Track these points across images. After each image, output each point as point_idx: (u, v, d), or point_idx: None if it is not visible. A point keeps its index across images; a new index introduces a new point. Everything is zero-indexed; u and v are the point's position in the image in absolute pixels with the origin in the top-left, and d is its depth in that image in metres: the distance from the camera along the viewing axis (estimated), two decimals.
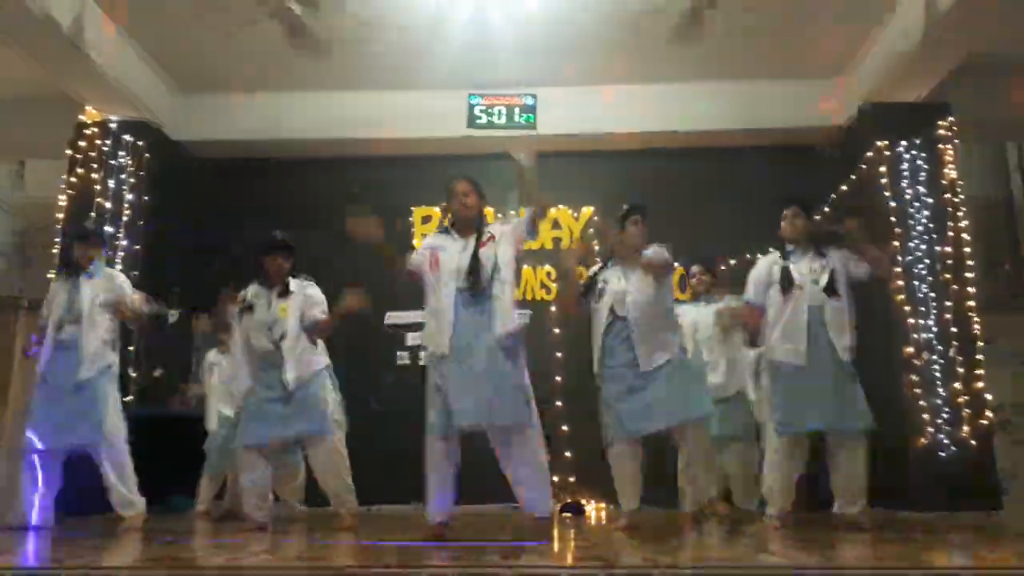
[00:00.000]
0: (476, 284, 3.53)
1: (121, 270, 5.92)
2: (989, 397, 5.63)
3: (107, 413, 4.26)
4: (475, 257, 3.59)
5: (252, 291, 4.38)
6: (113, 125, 6.30)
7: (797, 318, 4.01)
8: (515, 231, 3.75)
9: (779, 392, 4.05)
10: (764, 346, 4.26)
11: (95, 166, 6.22)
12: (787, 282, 4.07)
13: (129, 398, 5.67)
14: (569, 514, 5.49)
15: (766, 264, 4.26)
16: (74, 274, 4.46)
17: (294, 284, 4.41)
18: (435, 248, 3.77)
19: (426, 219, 6.95)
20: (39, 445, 4.19)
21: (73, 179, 6.22)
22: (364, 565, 2.33)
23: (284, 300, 4.31)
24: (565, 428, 6.25)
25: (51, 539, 3.60)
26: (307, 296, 4.40)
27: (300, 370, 4.22)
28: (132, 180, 6.25)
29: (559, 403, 6.33)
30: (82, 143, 6.28)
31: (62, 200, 6.23)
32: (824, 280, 4.02)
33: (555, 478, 6.17)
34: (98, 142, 6.26)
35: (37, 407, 4.26)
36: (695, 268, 5.40)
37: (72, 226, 4.56)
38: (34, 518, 4.20)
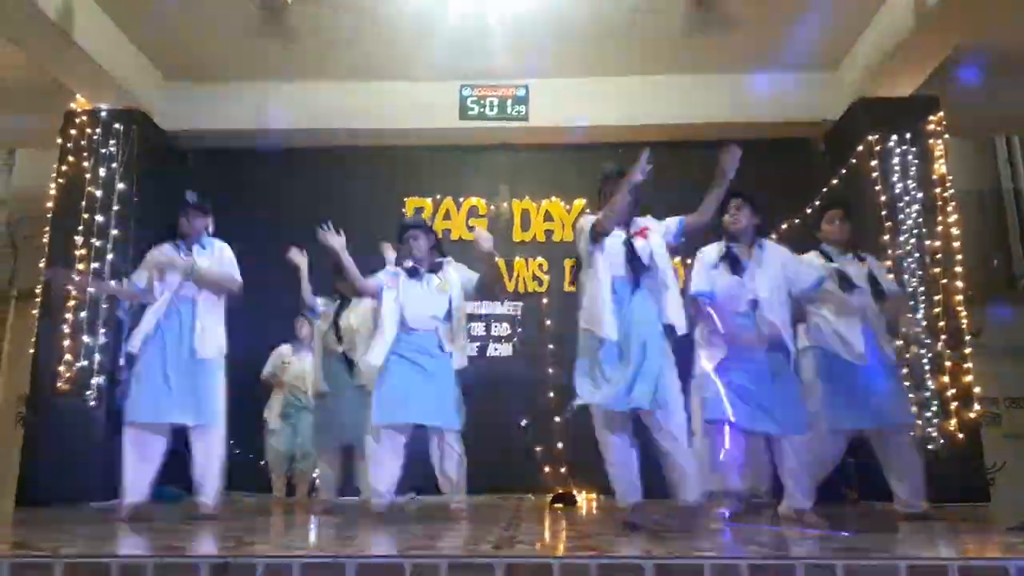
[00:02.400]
0: None
1: (111, 259, 5.93)
2: (977, 390, 5.68)
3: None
4: None
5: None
6: (103, 114, 6.27)
7: (851, 318, 4.04)
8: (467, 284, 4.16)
9: (831, 391, 4.06)
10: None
11: (85, 155, 6.19)
12: (847, 283, 4.08)
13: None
14: (561, 505, 5.51)
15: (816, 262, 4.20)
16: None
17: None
18: None
19: (419, 210, 6.94)
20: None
21: (63, 168, 6.19)
22: (356, 553, 2.34)
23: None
24: (556, 419, 6.27)
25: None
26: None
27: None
28: (122, 169, 6.21)
29: (551, 394, 6.34)
30: (72, 132, 6.25)
31: (52, 190, 6.19)
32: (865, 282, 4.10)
33: (547, 468, 6.21)
34: (88, 131, 6.24)
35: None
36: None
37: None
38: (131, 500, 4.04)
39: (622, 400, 3.43)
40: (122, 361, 5.57)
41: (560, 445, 6.24)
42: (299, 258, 4.79)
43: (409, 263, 4.34)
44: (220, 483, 4.23)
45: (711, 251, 4.10)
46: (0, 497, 6.27)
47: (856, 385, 3.99)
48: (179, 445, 4.32)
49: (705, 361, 3.84)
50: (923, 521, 3.86)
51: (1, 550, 2.71)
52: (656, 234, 3.75)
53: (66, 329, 5.79)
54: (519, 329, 6.63)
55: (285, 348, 6.38)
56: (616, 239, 3.70)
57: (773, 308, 3.79)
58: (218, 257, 4.36)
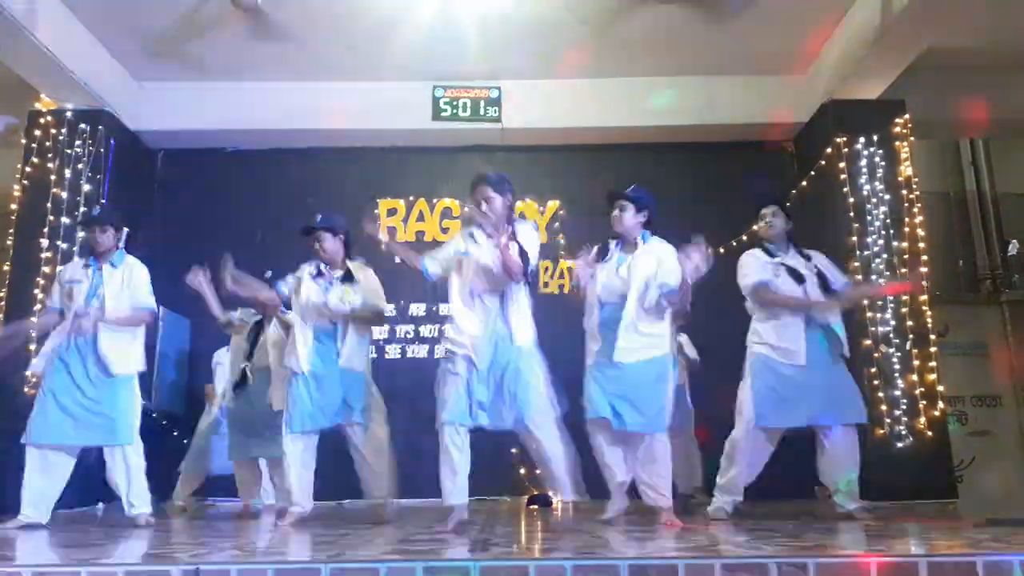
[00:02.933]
0: None
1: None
2: (943, 389, 5.78)
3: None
4: None
5: None
6: (68, 114, 6.16)
7: (796, 316, 4.03)
8: None
9: (763, 388, 4.04)
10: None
11: (50, 156, 6.08)
12: (798, 278, 4.08)
13: None
14: (536, 506, 5.52)
15: (760, 259, 4.22)
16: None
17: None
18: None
19: (391, 211, 6.91)
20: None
21: (28, 169, 6.07)
22: (332, 558, 2.32)
23: None
24: None
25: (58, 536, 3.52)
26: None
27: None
28: (89, 170, 6.11)
29: None
30: (36, 132, 6.13)
31: (16, 191, 6.08)
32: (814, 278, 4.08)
33: (522, 471, 6.21)
34: (53, 131, 6.13)
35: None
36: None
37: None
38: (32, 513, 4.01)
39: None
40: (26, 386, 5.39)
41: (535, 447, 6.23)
42: (196, 282, 4.52)
43: (314, 267, 4.29)
44: (147, 494, 4.18)
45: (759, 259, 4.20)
46: None
47: (791, 384, 3.96)
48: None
49: (588, 357, 3.89)
50: (853, 521, 3.89)
51: None
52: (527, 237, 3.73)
53: (32, 333, 5.67)
54: None
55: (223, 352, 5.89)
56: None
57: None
58: (127, 280, 4.23)
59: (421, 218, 6.92)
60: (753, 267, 4.16)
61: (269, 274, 4.71)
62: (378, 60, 6.40)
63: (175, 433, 6.15)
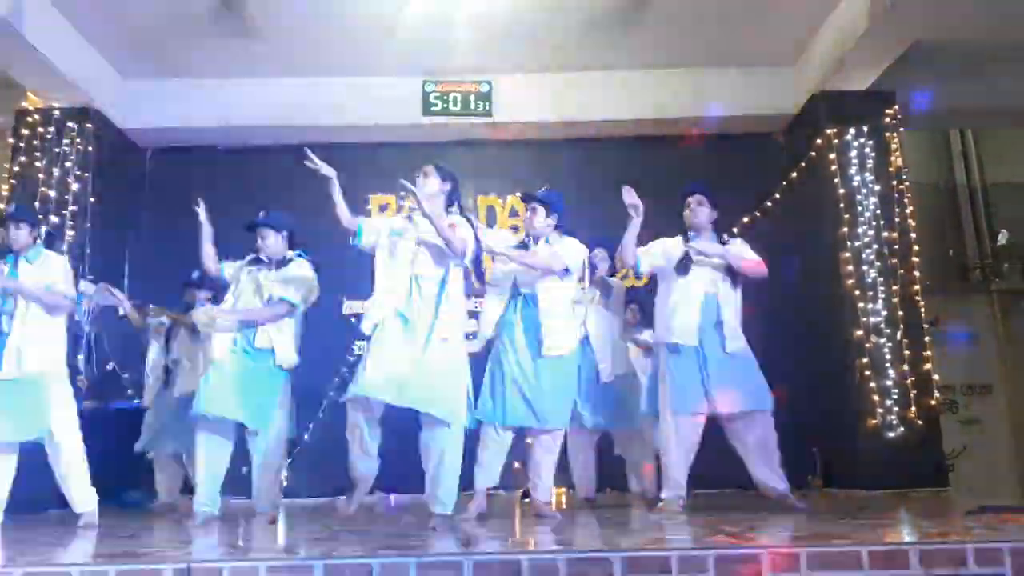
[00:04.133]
0: None
1: (74, 262, 5.81)
2: (936, 378, 5.80)
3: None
4: None
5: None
6: (56, 112, 6.12)
7: (691, 301, 4.02)
8: None
9: (672, 374, 4.00)
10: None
11: (38, 155, 6.05)
12: (685, 264, 4.07)
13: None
14: (529, 500, 5.52)
15: (672, 244, 4.24)
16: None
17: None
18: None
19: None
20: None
21: (16, 168, 6.04)
22: (326, 554, 2.32)
23: None
24: None
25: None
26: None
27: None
28: (77, 169, 6.08)
29: None
30: (24, 131, 6.10)
31: (4, 190, 6.05)
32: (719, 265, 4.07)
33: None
34: (41, 130, 6.10)
35: None
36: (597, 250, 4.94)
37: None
38: None
39: None
40: None
41: (528, 440, 6.24)
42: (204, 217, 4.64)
43: (252, 257, 4.38)
44: (89, 491, 4.14)
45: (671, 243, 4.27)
46: None
47: (697, 371, 3.93)
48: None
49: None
50: (785, 502, 3.88)
51: None
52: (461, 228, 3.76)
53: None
54: None
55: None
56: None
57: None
58: (44, 270, 4.16)
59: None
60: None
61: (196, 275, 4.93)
62: (368, 55, 6.38)
63: None
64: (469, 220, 3.84)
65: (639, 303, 5.32)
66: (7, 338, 4.01)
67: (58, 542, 3.21)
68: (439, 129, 6.77)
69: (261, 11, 5.71)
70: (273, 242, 4.29)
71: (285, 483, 6.05)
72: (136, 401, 6.03)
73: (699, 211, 4.23)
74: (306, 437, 6.30)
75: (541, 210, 4.07)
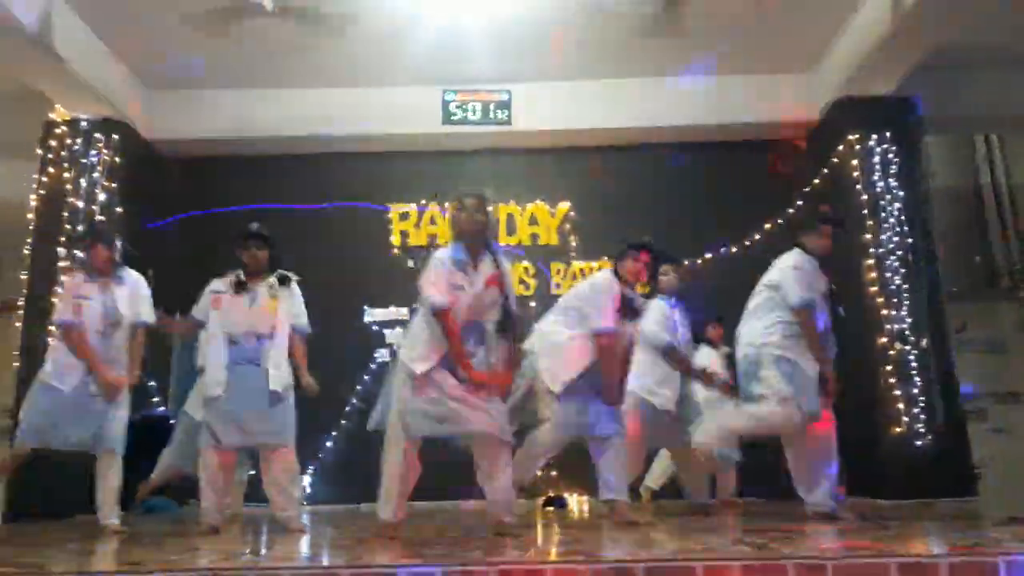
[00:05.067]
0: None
1: (78, 268, 5.89)
2: (962, 386, 5.73)
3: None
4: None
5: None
6: (84, 124, 6.22)
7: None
8: None
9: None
10: None
11: (66, 166, 6.13)
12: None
13: None
14: (552, 507, 5.51)
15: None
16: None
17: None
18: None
19: (404, 216, 6.93)
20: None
21: (44, 179, 6.13)
22: (351, 564, 2.33)
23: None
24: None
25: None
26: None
27: None
28: (104, 179, 6.16)
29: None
30: (52, 142, 6.19)
31: (33, 200, 6.14)
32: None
33: (537, 472, 6.20)
34: (68, 141, 6.18)
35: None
36: (664, 267, 4.91)
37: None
38: None
39: None
40: None
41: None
42: (165, 320, 4.60)
43: (234, 277, 4.17)
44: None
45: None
46: None
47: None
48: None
49: None
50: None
51: None
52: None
53: (50, 340, 5.72)
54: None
55: None
56: None
57: None
58: (135, 292, 4.38)
59: (433, 222, 6.93)
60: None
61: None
62: (388, 65, 6.42)
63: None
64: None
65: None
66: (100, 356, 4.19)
67: (86, 549, 3.25)
68: (459, 138, 6.80)
69: (284, 23, 5.76)
70: (264, 255, 4.21)
71: (308, 491, 6.11)
72: (161, 408, 6.10)
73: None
74: (329, 444, 6.35)
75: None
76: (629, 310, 3.95)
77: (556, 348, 3.98)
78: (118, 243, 4.28)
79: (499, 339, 3.48)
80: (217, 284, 4.17)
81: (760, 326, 4.16)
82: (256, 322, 4.06)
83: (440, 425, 3.32)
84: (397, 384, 3.46)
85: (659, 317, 4.55)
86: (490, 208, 3.55)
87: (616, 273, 4.01)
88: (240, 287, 4.11)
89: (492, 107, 6.72)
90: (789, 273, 4.10)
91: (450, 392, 3.31)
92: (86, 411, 4.13)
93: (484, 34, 6.04)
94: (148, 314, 4.39)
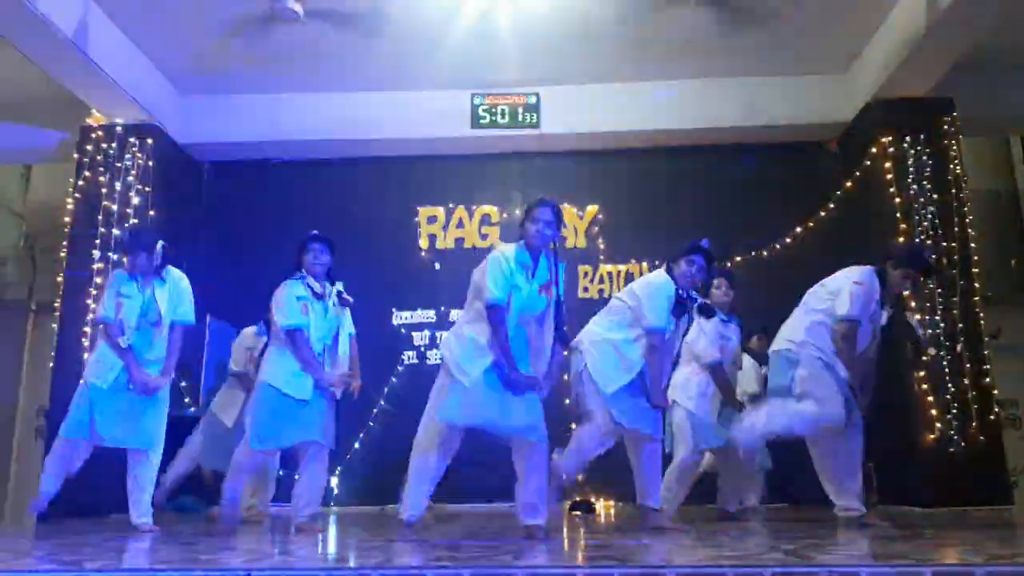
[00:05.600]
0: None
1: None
2: (996, 392, 5.63)
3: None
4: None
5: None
6: (119, 129, 6.33)
7: None
8: None
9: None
10: None
11: (101, 169, 6.25)
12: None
13: None
14: (579, 512, 5.50)
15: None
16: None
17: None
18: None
19: (431, 219, 6.96)
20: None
21: (80, 183, 6.25)
22: (380, 564, 2.34)
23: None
24: (573, 426, 6.24)
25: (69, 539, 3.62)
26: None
27: None
28: (138, 183, 6.27)
29: (567, 401, 6.33)
30: (88, 147, 6.31)
31: (69, 204, 6.26)
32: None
33: (564, 475, 6.19)
34: (104, 145, 6.30)
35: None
36: (717, 280, 4.92)
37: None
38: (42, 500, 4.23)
39: None
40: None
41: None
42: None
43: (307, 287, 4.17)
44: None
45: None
46: (22, 511, 6.31)
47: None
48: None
49: None
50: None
51: (26, 564, 2.73)
52: None
53: (85, 342, 5.84)
54: None
55: (250, 331, 5.43)
56: None
57: None
58: (177, 292, 4.40)
59: (460, 225, 6.95)
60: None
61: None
62: (417, 70, 6.46)
63: None
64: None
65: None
66: (137, 352, 4.24)
67: (120, 547, 3.30)
68: (487, 141, 6.82)
69: (314, 28, 5.82)
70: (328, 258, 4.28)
71: (336, 491, 6.15)
72: (192, 409, 6.18)
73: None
74: (356, 446, 6.39)
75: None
76: (681, 310, 3.95)
77: (608, 348, 3.96)
78: (159, 246, 4.32)
79: (547, 342, 3.53)
80: (299, 289, 4.14)
81: (803, 325, 4.13)
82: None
83: (479, 418, 3.36)
84: (440, 384, 3.51)
85: (712, 334, 4.58)
86: (561, 220, 3.61)
87: (671, 274, 4.00)
88: (318, 295, 4.16)
89: (520, 110, 6.73)
90: (850, 286, 4.05)
91: (493, 388, 3.36)
92: (125, 409, 4.20)
93: (512, 38, 6.06)
94: (187, 313, 4.41)
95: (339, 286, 4.28)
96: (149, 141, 6.37)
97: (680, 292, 3.92)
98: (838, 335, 3.97)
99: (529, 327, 3.54)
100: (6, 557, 2.94)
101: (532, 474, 3.43)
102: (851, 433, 3.98)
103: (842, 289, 4.03)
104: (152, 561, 2.82)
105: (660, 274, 4.04)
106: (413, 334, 6.71)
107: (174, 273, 4.44)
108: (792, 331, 4.14)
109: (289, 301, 4.06)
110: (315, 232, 4.29)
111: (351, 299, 4.29)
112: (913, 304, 5.72)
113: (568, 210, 6.93)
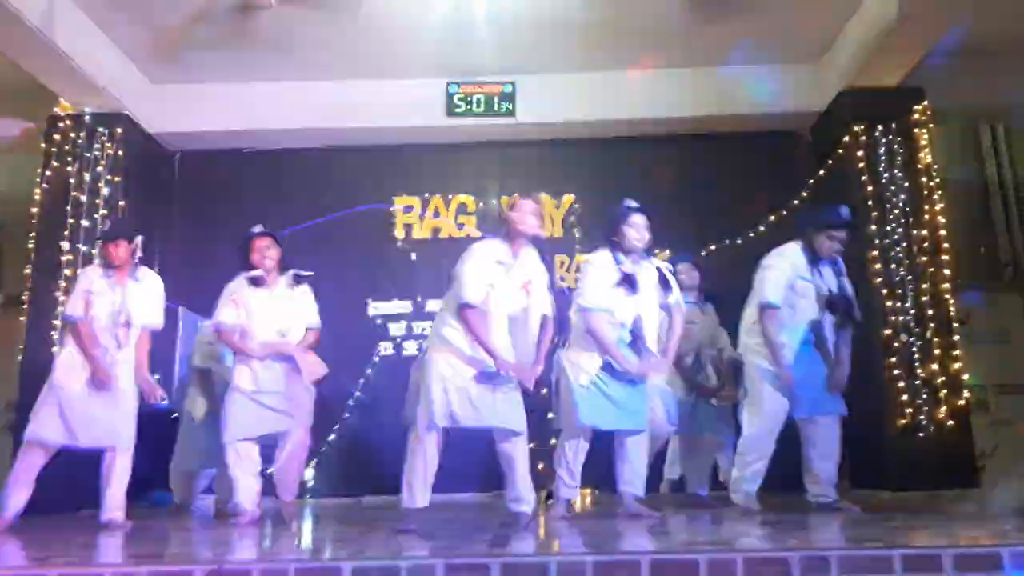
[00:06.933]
0: None
1: (97, 264, 5.90)
2: (965, 378, 5.72)
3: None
4: None
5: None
6: (87, 118, 6.21)
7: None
8: None
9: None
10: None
11: (70, 159, 6.14)
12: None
13: None
14: (552, 501, 5.51)
15: None
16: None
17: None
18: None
19: (408, 208, 6.92)
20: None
21: (48, 173, 6.14)
22: (353, 557, 2.33)
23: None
24: (550, 415, 6.26)
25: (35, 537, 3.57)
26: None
27: None
28: (108, 173, 6.17)
29: (544, 391, 6.34)
30: (56, 136, 6.19)
31: (37, 194, 6.14)
32: None
33: (540, 465, 6.21)
34: (72, 135, 6.18)
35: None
36: (682, 265, 5.02)
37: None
38: (9, 513, 4.12)
39: None
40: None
41: (552, 441, 6.23)
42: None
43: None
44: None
45: None
46: None
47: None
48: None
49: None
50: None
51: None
52: None
53: (54, 335, 5.75)
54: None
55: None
56: None
57: None
58: (148, 292, 4.39)
59: (437, 214, 6.92)
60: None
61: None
62: (392, 58, 6.40)
63: None
64: None
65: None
66: (108, 353, 4.22)
67: (90, 542, 3.26)
68: (463, 130, 6.78)
69: (287, 15, 5.74)
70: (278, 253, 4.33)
71: (311, 483, 6.12)
72: (165, 402, 6.11)
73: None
74: (331, 438, 6.35)
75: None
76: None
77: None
78: (138, 240, 4.28)
79: (531, 333, 3.60)
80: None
81: (743, 326, 4.22)
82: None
83: (464, 416, 3.41)
84: (425, 376, 3.53)
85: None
86: (541, 213, 3.67)
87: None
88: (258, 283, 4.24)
89: (496, 99, 6.70)
90: (760, 272, 4.12)
91: (475, 381, 3.45)
92: (95, 409, 4.15)
93: (488, 26, 6.01)
94: (156, 317, 4.38)
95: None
96: (119, 130, 6.25)
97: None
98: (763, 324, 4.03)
99: (516, 319, 3.58)
100: None
101: (517, 462, 3.53)
102: (826, 421, 4.03)
103: (757, 279, 4.11)
104: (123, 556, 2.79)
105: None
106: (390, 325, 6.67)
107: (148, 274, 4.40)
108: (742, 331, 4.28)
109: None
110: (258, 229, 4.34)
111: (308, 273, 4.31)
112: (885, 291, 5.79)
113: (545, 199, 6.92)
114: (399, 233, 6.88)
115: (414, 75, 6.62)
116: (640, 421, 3.91)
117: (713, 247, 6.46)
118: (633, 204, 4.02)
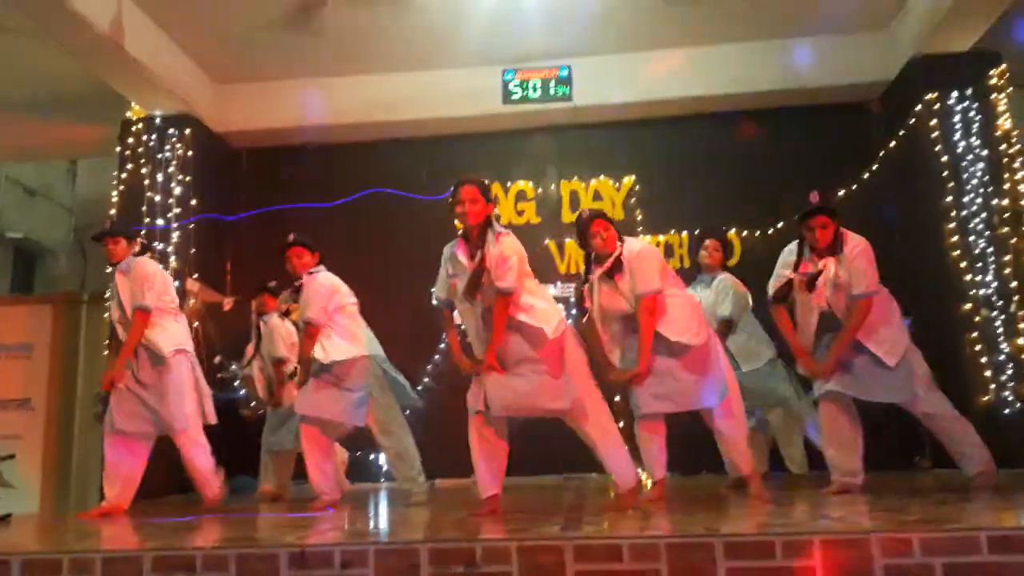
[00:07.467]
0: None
1: (173, 261, 6.12)
2: None
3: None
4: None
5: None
6: (158, 120, 6.43)
7: None
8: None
9: None
10: None
11: (143, 161, 6.37)
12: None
13: None
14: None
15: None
16: None
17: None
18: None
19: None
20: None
21: (123, 175, 6.38)
22: (430, 539, 2.38)
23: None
24: (616, 399, 6.24)
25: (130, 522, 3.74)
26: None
27: None
28: (179, 173, 6.38)
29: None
30: (130, 140, 6.44)
31: (114, 197, 6.40)
32: None
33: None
34: (144, 138, 6.42)
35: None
36: (708, 241, 5.01)
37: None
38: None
39: None
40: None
41: (622, 424, 6.21)
42: None
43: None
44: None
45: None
46: (86, 495, 6.53)
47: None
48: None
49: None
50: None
51: (91, 545, 2.83)
52: None
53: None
54: (573, 311, 6.61)
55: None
56: None
57: None
58: (131, 281, 4.47)
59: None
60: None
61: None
62: (446, 49, 6.43)
63: None
64: None
65: None
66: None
67: (179, 527, 3.40)
68: (519, 117, 6.78)
69: (343, 12, 5.82)
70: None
71: (384, 467, 6.23)
72: (242, 392, 6.31)
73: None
74: None
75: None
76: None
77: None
78: (138, 238, 4.50)
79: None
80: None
81: None
82: None
83: (510, 406, 3.41)
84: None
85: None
86: (488, 194, 3.67)
87: None
88: None
89: (552, 84, 6.66)
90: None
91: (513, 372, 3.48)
92: (138, 402, 4.36)
93: (540, 10, 5.98)
94: (138, 298, 4.37)
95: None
96: (187, 131, 6.46)
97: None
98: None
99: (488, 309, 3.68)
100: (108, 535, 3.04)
101: (601, 443, 3.56)
102: (843, 405, 3.95)
103: None
104: (211, 541, 2.90)
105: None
106: (455, 313, 6.71)
107: (136, 262, 4.50)
108: None
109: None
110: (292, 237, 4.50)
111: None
112: (964, 264, 5.59)
113: (604, 182, 6.87)
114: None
115: (469, 64, 6.64)
116: None
117: (781, 224, 6.32)
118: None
